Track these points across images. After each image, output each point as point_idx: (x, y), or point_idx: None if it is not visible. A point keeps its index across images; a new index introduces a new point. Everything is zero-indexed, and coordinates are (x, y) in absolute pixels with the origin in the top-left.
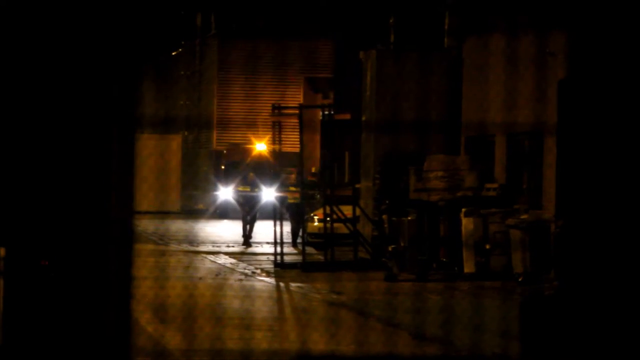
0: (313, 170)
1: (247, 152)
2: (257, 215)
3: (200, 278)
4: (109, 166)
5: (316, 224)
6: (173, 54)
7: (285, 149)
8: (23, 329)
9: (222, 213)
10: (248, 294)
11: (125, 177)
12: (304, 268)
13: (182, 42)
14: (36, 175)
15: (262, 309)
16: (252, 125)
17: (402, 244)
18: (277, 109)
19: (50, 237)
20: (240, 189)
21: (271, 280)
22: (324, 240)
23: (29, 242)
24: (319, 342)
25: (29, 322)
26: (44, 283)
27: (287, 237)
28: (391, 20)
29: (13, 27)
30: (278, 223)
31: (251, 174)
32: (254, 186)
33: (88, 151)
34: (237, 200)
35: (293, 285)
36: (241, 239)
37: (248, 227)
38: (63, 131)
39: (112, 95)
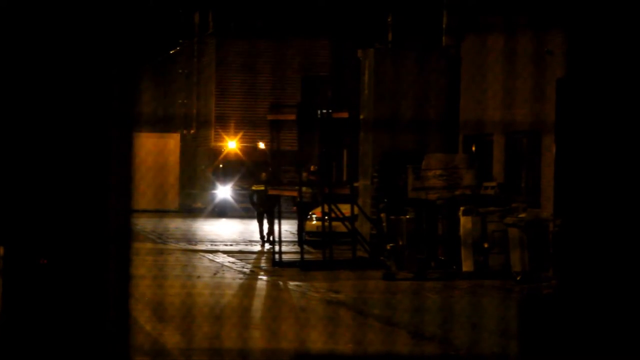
0: (312, 169)
1: (245, 150)
2: (274, 214)
3: (199, 276)
4: (107, 165)
5: (314, 222)
6: (171, 52)
7: (283, 147)
8: (22, 328)
9: (221, 211)
10: (246, 292)
11: (124, 176)
12: (302, 267)
13: (180, 41)
14: (35, 175)
15: (261, 308)
16: (250, 124)
17: (400, 243)
18: (275, 108)
19: (49, 236)
20: (254, 187)
21: (269, 279)
22: (322, 238)
23: (28, 241)
24: (317, 341)
25: (28, 320)
26: (43, 281)
27: (286, 236)
28: (389, 19)
29: (12, 27)
30: (276, 221)
31: (264, 173)
32: (269, 185)
33: (86, 150)
34: (250, 199)
35: (291, 283)
36: (239, 238)
37: (266, 226)
38: (61, 130)
39: (110, 94)
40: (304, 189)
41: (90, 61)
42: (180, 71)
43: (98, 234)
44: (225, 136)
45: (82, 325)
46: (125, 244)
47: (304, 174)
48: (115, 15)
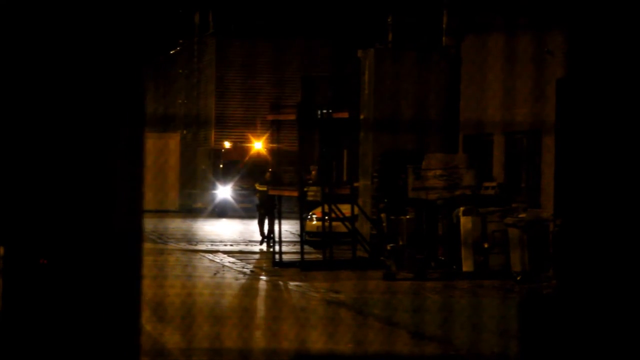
0: (311, 168)
1: (245, 150)
2: (276, 215)
3: (199, 277)
4: (108, 165)
5: (314, 222)
6: (171, 52)
7: (283, 147)
8: (22, 328)
9: (221, 212)
10: (246, 292)
11: (134, 175)
12: (302, 267)
13: (180, 41)
14: (35, 174)
15: (261, 308)
16: (250, 124)
17: (400, 243)
18: (275, 108)
19: (49, 236)
20: (258, 187)
21: (270, 279)
22: (323, 239)
23: (28, 241)
24: (317, 341)
25: (28, 320)
26: (43, 281)
27: (286, 236)
28: (389, 19)
29: (22, 30)
30: (276, 222)
31: (268, 173)
32: (270, 185)
33: (87, 150)
34: (253, 201)
35: (292, 284)
36: (240, 238)
37: (267, 227)
38: (66, 130)
39: (118, 93)
40: (311, 188)
41: (99, 60)
42: (180, 71)
43: (101, 233)
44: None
45: (82, 325)
46: (135, 243)
47: (312, 174)
48: (125, 14)
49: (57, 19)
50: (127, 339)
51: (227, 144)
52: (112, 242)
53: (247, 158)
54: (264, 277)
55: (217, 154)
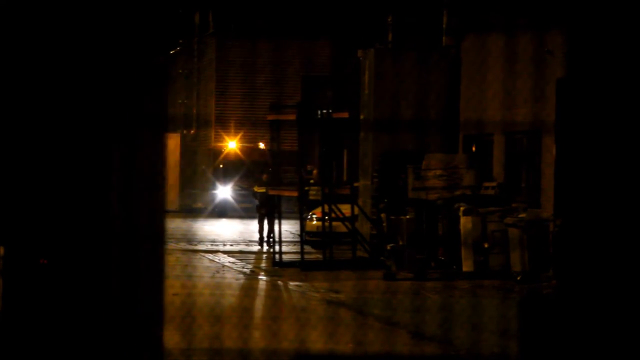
0: (309, 168)
1: (245, 151)
2: (276, 216)
3: (199, 277)
4: (109, 166)
5: (314, 222)
6: (171, 52)
7: (283, 147)
8: (22, 328)
9: (221, 211)
10: (246, 292)
11: (151, 176)
12: (302, 267)
13: (180, 41)
14: (36, 175)
15: (261, 308)
16: (250, 124)
17: (400, 243)
18: (275, 108)
19: (49, 236)
20: (256, 189)
21: (270, 279)
22: (323, 239)
23: (28, 241)
24: (317, 341)
25: (28, 321)
26: (43, 281)
27: (286, 236)
28: (389, 19)
29: (47, 38)
30: (276, 222)
31: (265, 175)
32: (269, 186)
33: (87, 152)
34: (254, 196)
35: (292, 284)
36: (240, 239)
37: (267, 228)
38: (67, 132)
39: (133, 93)
40: (312, 187)
41: (118, 60)
42: (180, 71)
43: (102, 234)
44: (225, 136)
45: (83, 326)
46: (156, 244)
47: (313, 173)
48: (151, 17)
49: (90, 25)
50: (133, 340)
51: (227, 144)
52: (107, 241)
53: (247, 158)
54: (263, 277)
55: (217, 154)
